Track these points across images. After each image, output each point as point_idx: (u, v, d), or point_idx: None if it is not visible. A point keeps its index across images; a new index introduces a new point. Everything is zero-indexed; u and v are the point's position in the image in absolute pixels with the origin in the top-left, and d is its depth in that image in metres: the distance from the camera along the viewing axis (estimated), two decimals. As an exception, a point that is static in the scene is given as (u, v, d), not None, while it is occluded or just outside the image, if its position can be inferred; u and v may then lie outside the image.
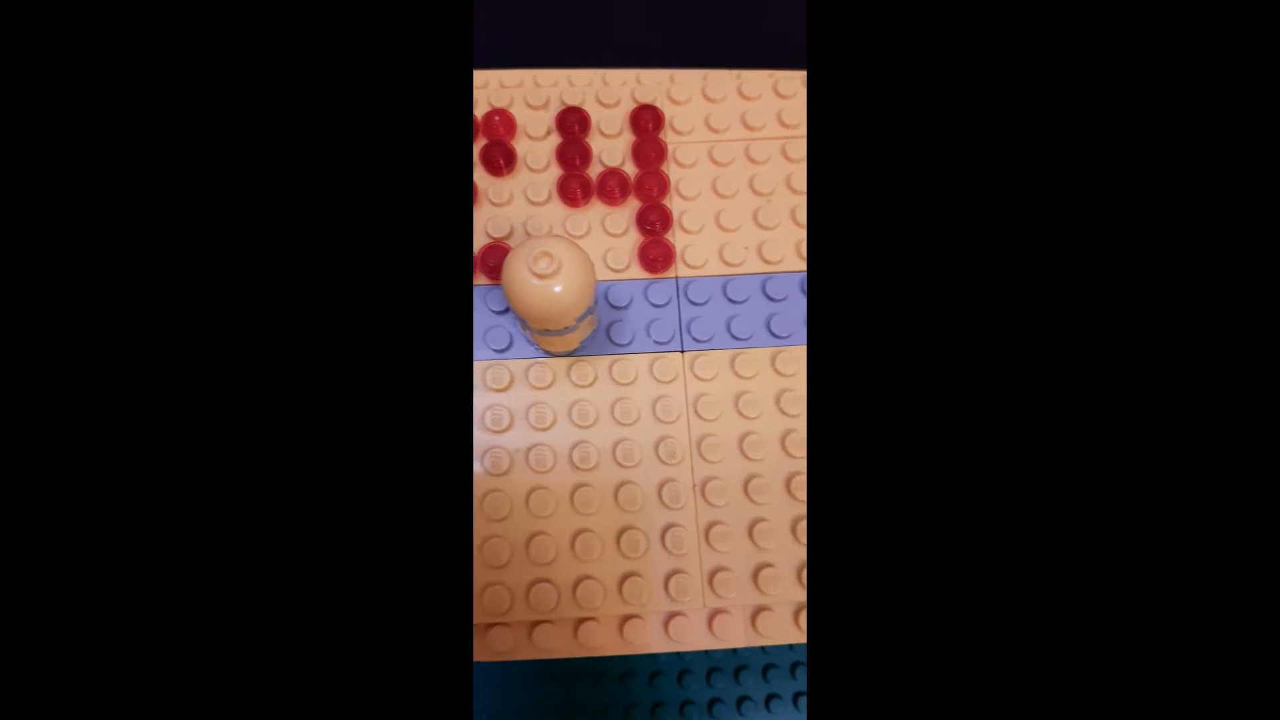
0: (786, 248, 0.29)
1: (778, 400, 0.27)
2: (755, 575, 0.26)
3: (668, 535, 0.26)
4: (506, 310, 0.28)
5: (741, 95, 0.31)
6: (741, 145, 0.31)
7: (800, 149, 0.31)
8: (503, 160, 0.29)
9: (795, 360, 0.28)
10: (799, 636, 0.26)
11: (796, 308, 0.29)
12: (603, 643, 0.25)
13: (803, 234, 0.30)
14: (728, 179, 0.30)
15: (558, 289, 0.22)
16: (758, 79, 0.32)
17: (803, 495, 0.26)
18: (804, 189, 0.30)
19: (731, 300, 0.29)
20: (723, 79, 0.32)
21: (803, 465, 0.27)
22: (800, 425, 0.27)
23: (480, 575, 0.25)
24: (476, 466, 0.26)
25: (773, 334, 0.28)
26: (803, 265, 0.29)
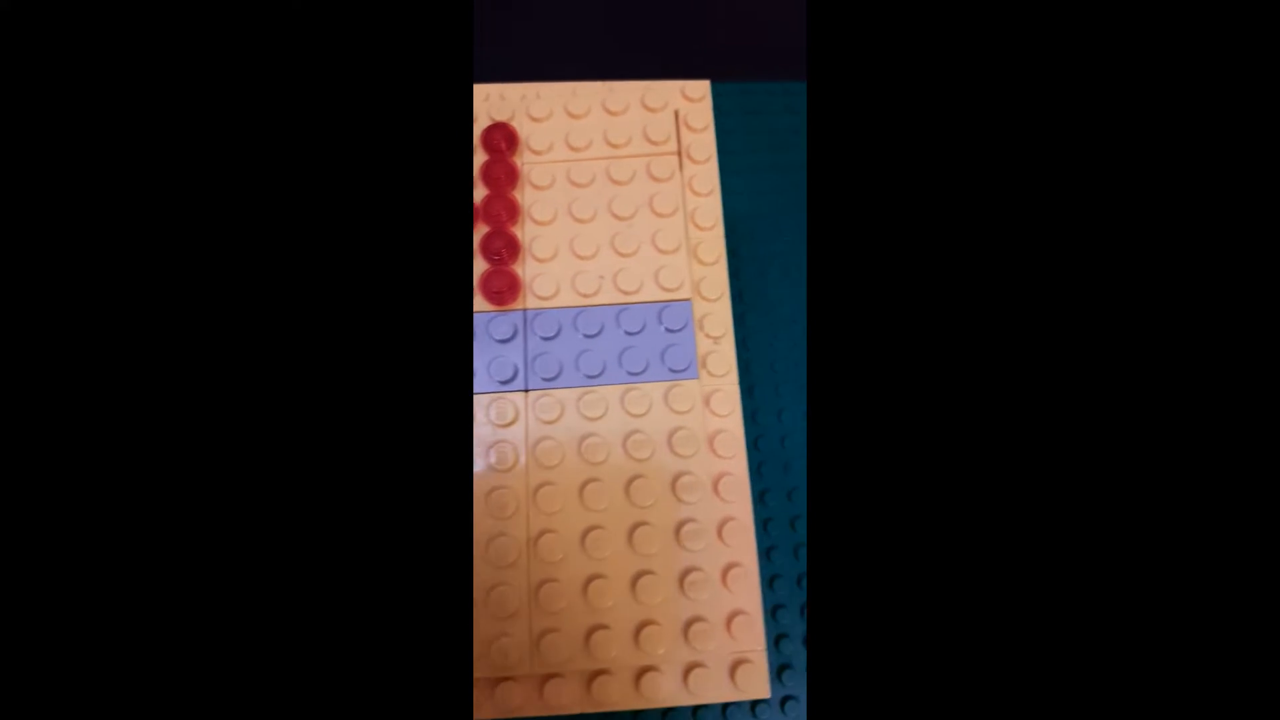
0: (645, 275, 0.27)
1: (625, 442, 0.25)
2: (588, 637, 0.24)
3: (493, 594, 0.24)
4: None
5: (606, 110, 0.29)
6: (603, 165, 0.29)
7: (665, 167, 0.28)
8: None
9: (647, 398, 0.26)
10: (638, 702, 0.24)
11: (653, 341, 0.27)
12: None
13: (664, 260, 0.27)
14: (585, 202, 0.28)
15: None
16: (626, 91, 0.30)
17: (646, 548, 0.24)
18: (668, 211, 0.28)
19: (583, 334, 0.27)
20: (591, 92, 0.30)
21: (649, 515, 0.25)
22: (648, 470, 0.25)
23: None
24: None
25: (626, 371, 0.26)
26: (662, 295, 0.27)
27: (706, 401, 0.26)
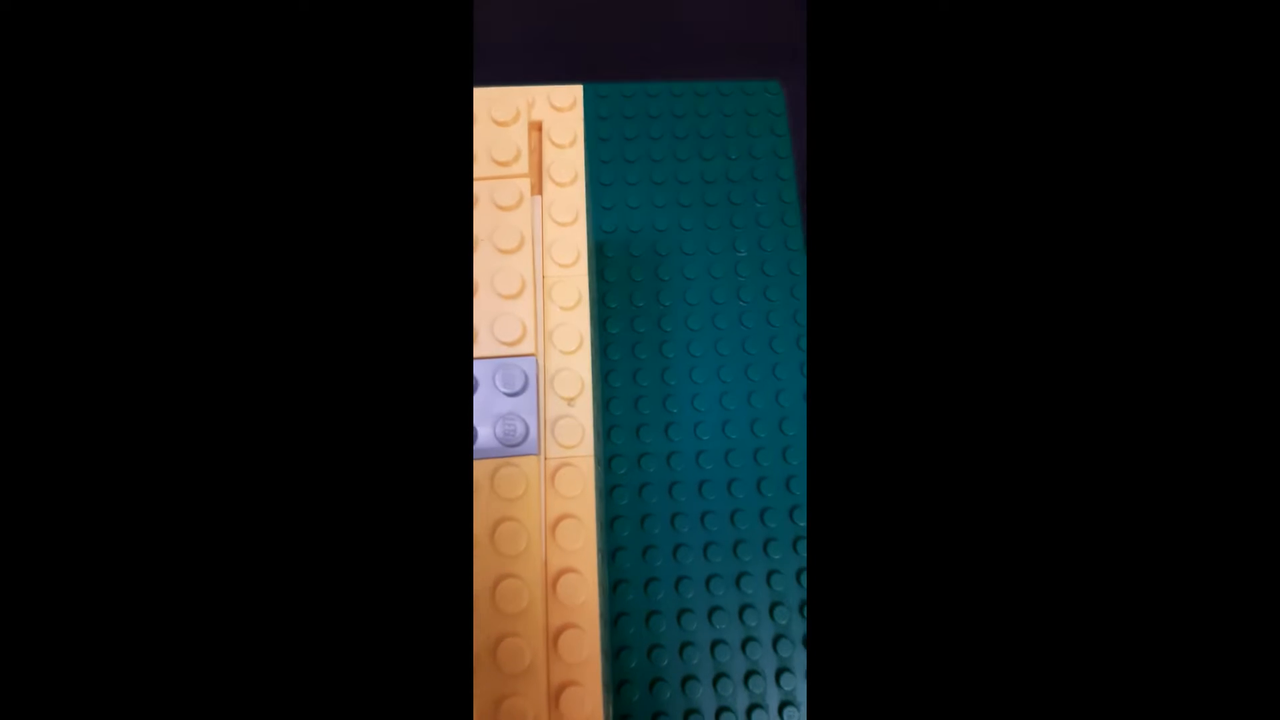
0: (479, 325, 0.23)
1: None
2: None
3: None
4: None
5: (448, 123, 0.24)
6: (438, 190, 0.24)
7: (510, 194, 0.24)
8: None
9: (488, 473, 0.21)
10: None
11: (484, 407, 0.22)
12: None
13: (504, 307, 0.23)
14: (412, 236, 0.23)
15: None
16: (474, 99, 0.25)
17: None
18: (512, 247, 0.23)
19: (401, 398, 0.22)
20: (433, 101, 0.25)
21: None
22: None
23: None
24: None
25: (449, 444, 0.22)
26: (499, 349, 0.23)
27: (551, 479, 0.22)
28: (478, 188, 0.24)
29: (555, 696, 0.20)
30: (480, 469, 0.21)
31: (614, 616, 0.29)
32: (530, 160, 0.24)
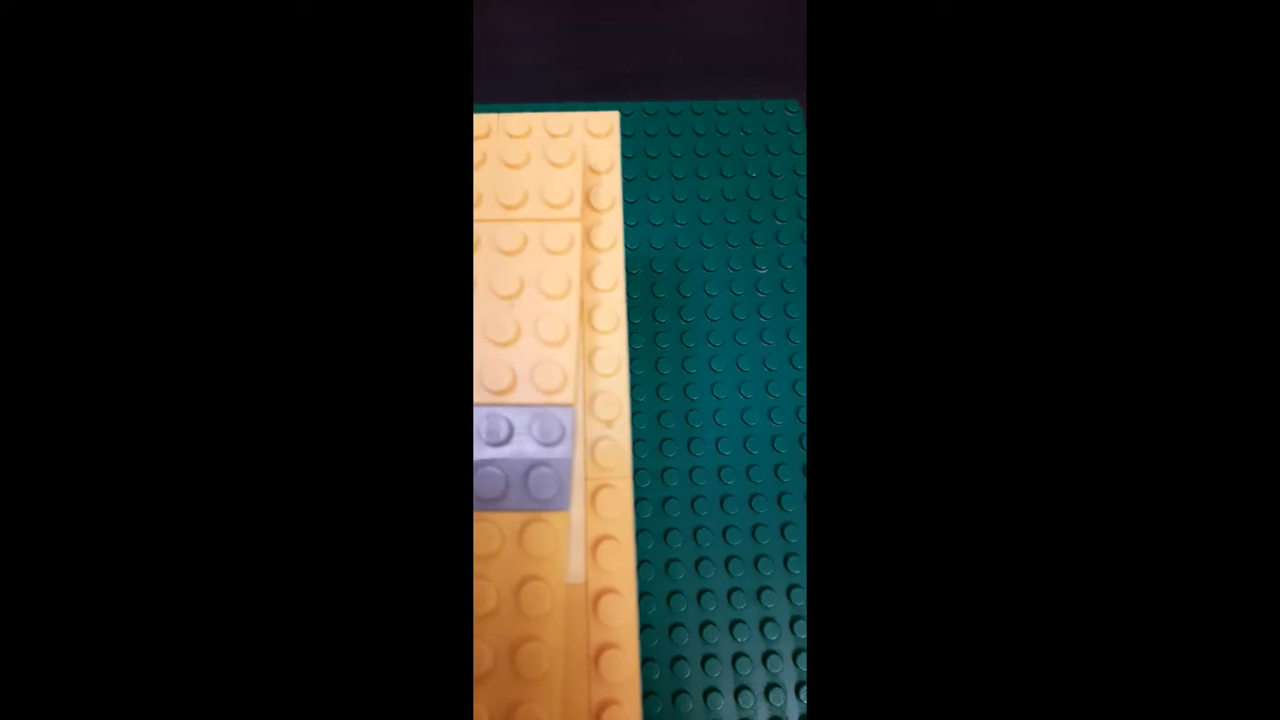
0: (521, 370, 0.24)
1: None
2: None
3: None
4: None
5: (504, 163, 0.25)
6: (485, 228, 0.25)
7: (561, 238, 0.25)
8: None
9: (498, 533, 0.23)
10: None
11: (519, 457, 0.23)
12: None
13: (545, 353, 0.24)
14: (464, 275, 0.24)
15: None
16: (529, 140, 0.26)
17: None
18: (559, 293, 0.24)
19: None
20: (489, 142, 0.26)
21: (475, 693, 0.22)
22: (484, 631, 0.22)
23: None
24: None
25: (478, 496, 0.23)
26: (539, 397, 0.23)
27: (591, 500, 0.23)
28: (527, 230, 0.25)
29: (596, 717, 0.22)
30: (508, 522, 0.21)
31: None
32: (574, 198, 0.25)
